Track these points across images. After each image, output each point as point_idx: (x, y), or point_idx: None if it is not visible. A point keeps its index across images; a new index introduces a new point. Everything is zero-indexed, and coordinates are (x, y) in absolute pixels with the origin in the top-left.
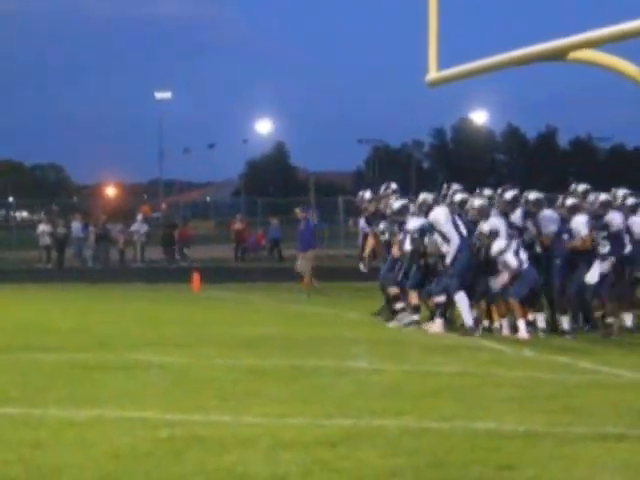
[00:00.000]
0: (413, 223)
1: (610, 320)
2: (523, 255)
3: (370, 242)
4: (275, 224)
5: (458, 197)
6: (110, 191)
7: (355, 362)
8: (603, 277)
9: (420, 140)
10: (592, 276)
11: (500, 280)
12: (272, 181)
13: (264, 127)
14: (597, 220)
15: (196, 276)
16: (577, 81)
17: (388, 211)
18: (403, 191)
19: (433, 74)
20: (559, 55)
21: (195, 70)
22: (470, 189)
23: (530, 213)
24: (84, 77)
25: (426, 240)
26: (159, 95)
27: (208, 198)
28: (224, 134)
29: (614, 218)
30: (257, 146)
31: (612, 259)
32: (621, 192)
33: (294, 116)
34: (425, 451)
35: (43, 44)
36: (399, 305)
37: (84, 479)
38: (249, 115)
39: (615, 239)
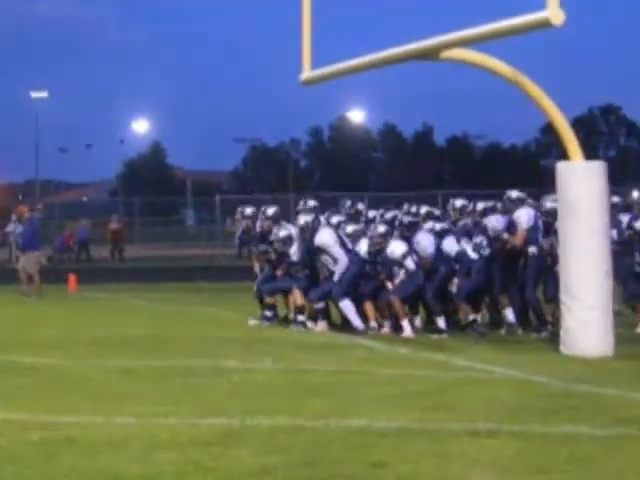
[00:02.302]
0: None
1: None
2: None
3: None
4: (83, 224)
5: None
6: None
7: (230, 362)
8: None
9: (297, 139)
10: (454, 289)
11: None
12: (149, 181)
13: (141, 127)
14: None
15: (72, 277)
16: (452, 79)
17: (272, 237)
18: (282, 189)
19: (307, 73)
20: (432, 54)
21: (71, 70)
22: (348, 189)
23: (404, 237)
24: None
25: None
26: (35, 95)
27: (85, 198)
28: (101, 134)
29: (446, 245)
30: (134, 146)
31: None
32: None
33: (171, 115)
34: (298, 449)
35: None
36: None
37: None
38: (126, 115)
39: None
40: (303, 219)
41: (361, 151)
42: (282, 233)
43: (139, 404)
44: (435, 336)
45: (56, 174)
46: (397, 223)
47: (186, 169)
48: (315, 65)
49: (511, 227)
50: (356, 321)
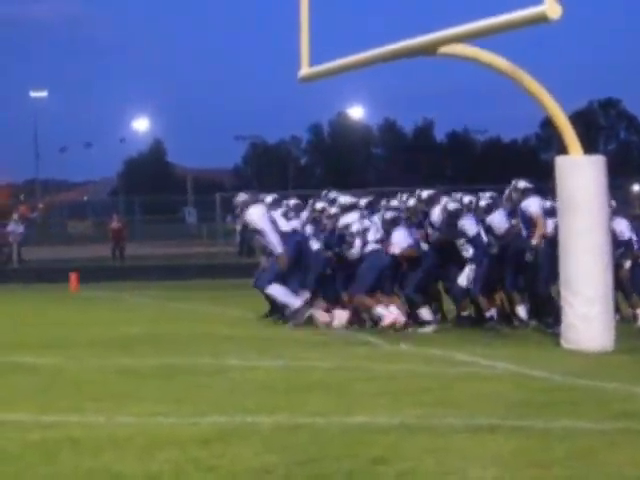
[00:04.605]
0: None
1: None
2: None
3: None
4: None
5: (319, 205)
6: None
7: (230, 359)
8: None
9: (297, 136)
10: (462, 279)
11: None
12: (150, 179)
13: (141, 125)
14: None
15: (74, 276)
16: (452, 75)
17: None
18: (283, 186)
19: (305, 70)
20: (429, 50)
21: (71, 68)
22: (349, 186)
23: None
24: None
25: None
26: (34, 94)
27: (86, 197)
28: (101, 133)
29: (466, 224)
30: (134, 144)
31: (485, 262)
32: (467, 198)
33: (171, 114)
34: (298, 447)
35: None
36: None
37: None
38: (126, 113)
39: (474, 243)
40: (241, 198)
41: (361, 147)
42: (249, 218)
43: (140, 403)
44: (424, 329)
45: (56, 173)
46: (379, 218)
47: (187, 167)
48: (313, 62)
49: (524, 220)
50: (291, 300)
